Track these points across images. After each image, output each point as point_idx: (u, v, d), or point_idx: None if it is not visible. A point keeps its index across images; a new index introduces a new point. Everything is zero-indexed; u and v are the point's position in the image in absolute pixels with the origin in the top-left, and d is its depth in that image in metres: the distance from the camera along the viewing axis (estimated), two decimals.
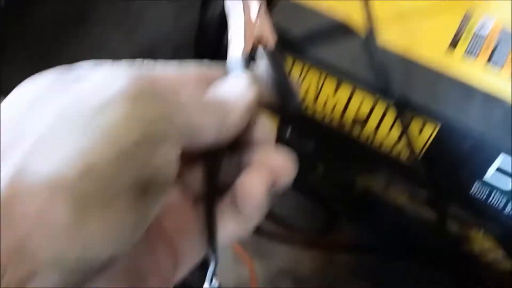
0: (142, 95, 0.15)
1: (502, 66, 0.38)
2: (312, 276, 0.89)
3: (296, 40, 0.42)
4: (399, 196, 0.43)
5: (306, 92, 0.42)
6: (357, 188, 0.46)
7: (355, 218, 0.71)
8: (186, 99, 0.17)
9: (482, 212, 0.39)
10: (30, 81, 0.16)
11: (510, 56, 0.38)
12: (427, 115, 0.38)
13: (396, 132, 0.40)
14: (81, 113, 0.15)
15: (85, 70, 0.16)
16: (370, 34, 0.39)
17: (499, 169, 0.37)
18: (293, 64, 0.42)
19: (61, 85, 0.16)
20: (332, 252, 0.84)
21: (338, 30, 0.41)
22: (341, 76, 0.41)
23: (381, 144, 0.42)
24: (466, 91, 0.38)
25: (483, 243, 0.42)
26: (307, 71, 0.42)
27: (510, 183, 0.37)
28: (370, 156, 0.42)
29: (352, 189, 0.47)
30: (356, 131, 0.42)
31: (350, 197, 0.51)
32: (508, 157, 0.36)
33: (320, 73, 0.41)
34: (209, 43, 0.44)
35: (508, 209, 0.38)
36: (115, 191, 0.14)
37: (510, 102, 0.37)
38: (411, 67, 0.40)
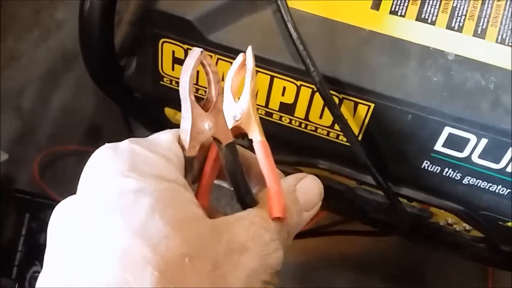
0: None
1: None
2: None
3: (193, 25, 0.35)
4: (347, 181, 0.39)
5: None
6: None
7: None
8: None
9: (436, 190, 0.35)
10: None
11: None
12: (358, 95, 0.33)
13: (329, 115, 0.35)
14: None
15: None
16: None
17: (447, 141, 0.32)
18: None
19: None
20: None
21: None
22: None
23: (316, 129, 0.36)
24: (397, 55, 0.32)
25: (445, 217, 0.38)
26: (216, 62, 0.35)
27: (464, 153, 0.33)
28: (306, 142, 0.37)
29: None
30: (285, 118, 0.36)
31: None
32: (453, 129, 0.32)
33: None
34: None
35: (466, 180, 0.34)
36: None
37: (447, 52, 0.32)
38: (333, 33, 0.33)
